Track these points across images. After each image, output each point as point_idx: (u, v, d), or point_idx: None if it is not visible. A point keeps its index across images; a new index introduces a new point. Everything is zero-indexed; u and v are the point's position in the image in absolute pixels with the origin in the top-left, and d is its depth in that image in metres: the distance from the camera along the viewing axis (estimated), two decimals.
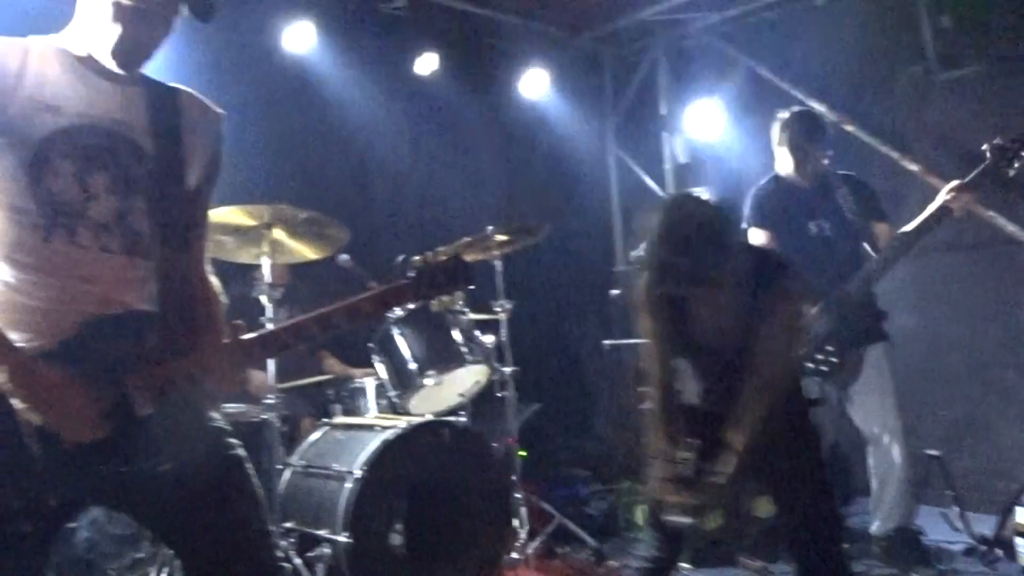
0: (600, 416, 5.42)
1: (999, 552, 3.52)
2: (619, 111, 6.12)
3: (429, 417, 3.49)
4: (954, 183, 3.37)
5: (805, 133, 3.61)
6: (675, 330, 2.54)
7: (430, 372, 3.50)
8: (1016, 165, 3.34)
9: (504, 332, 3.93)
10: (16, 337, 1.62)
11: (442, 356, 3.52)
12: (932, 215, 3.37)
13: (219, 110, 1.93)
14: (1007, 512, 3.52)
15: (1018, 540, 3.41)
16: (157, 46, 1.75)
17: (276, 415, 3.36)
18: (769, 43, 5.36)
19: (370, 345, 3.69)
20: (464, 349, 3.57)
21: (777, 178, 3.71)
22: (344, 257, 3.86)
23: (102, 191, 1.70)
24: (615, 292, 5.02)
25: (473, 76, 5.42)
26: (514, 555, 3.64)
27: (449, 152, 5.30)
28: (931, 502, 4.02)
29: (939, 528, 3.86)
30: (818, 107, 5.02)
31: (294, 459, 3.45)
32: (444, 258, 1.93)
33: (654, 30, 5.74)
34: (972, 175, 3.36)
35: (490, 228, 3.89)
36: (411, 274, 1.88)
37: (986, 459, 4.38)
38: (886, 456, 3.47)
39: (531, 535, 3.84)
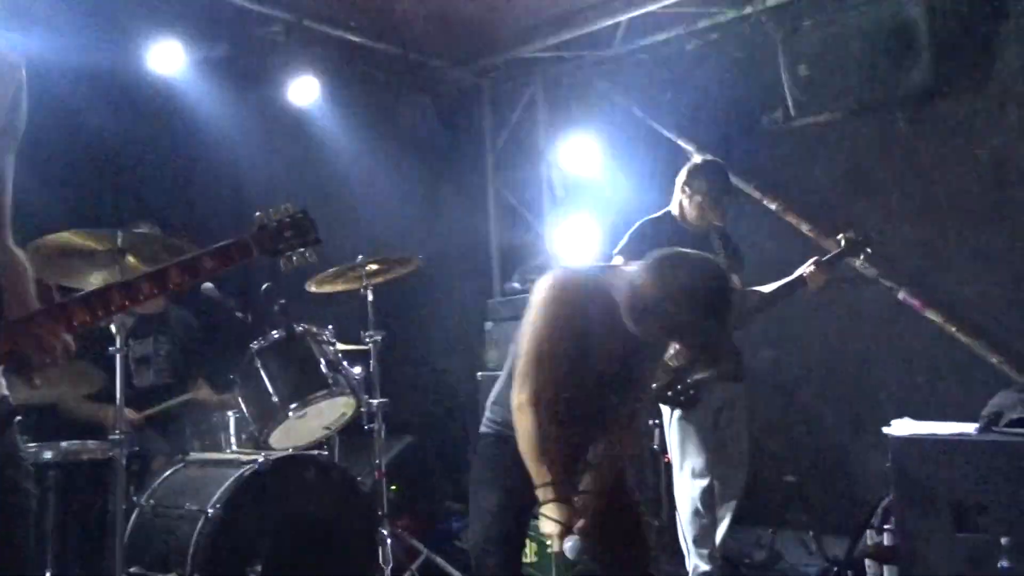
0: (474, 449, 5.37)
1: (850, 574, 3.67)
2: (498, 144, 6.18)
3: (291, 451, 3.37)
4: (814, 260, 3.65)
5: (722, 186, 3.73)
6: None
7: (293, 404, 3.36)
8: (862, 259, 3.92)
9: (373, 364, 3.86)
10: None
11: (306, 387, 3.38)
12: (789, 283, 3.62)
13: (18, 57, 1.73)
14: (857, 535, 3.68)
15: (868, 562, 3.56)
16: None
17: (123, 451, 3.14)
18: (642, 84, 5.54)
19: (231, 376, 3.53)
20: (330, 380, 3.45)
21: (670, 216, 3.76)
22: (208, 286, 3.70)
23: None
24: (490, 324, 5.02)
25: (350, 104, 5.37)
26: None
27: (323, 181, 5.20)
28: (789, 527, 4.17)
29: (796, 552, 4.00)
30: (686, 146, 5.22)
31: (143, 499, 3.25)
32: (288, 213, 1.85)
33: (534, 67, 5.85)
34: (829, 257, 3.71)
35: (360, 257, 3.83)
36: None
37: (840, 485, 4.59)
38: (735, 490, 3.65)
39: (398, 572, 3.75)
